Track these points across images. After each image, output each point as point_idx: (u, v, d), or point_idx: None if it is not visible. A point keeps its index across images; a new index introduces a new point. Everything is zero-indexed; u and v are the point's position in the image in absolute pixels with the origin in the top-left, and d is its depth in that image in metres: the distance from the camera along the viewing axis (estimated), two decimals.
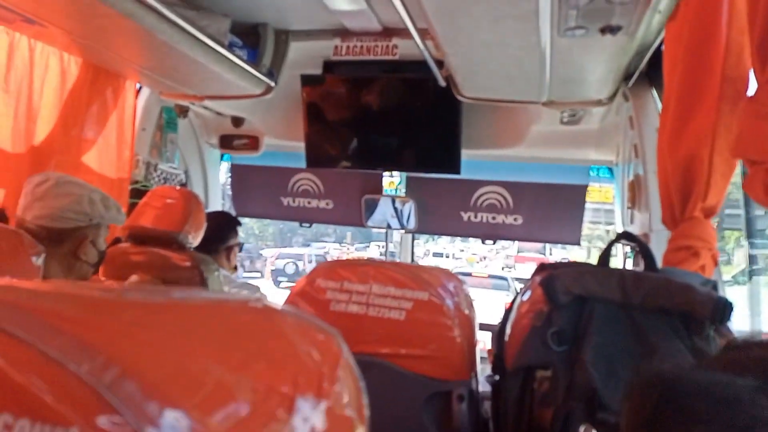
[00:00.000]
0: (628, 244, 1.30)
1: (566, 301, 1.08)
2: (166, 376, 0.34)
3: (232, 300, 0.45)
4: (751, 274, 3.29)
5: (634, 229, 2.48)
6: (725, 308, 0.98)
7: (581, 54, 1.81)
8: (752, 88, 0.92)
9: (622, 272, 1.09)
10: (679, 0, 1.49)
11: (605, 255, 1.20)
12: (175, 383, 0.34)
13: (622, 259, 2.25)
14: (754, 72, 0.86)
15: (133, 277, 2.04)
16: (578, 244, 3.39)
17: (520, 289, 1.31)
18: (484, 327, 1.57)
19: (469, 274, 12.67)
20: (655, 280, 1.06)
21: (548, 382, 1.07)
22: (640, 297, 1.06)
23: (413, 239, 3.85)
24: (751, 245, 3.13)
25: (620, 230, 2.72)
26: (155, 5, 1.80)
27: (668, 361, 0.93)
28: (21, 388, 0.32)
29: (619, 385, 0.96)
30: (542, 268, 1.23)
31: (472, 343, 1.28)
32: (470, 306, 1.31)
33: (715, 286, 1.16)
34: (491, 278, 12.99)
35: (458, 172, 3.01)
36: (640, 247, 1.20)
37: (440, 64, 2.30)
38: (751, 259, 3.20)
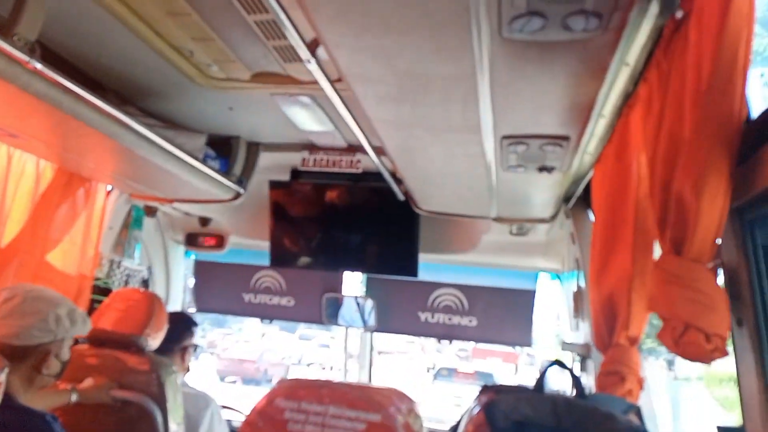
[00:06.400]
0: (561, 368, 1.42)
1: (506, 426, 1.19)
2: None
3: None
4: None
5: (579, 336, 2.62)
6: None
7: (524, 185, 2.04)
8: (658, 253, 1.09)
9: (555, 399, 1.21)
10: (603, 147, 1.73)
11: (540, 380, 1.32)
12: None
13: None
14: (659, 241, 1.04)
15: (88, 380, 2.00)
16: (530, 345, 3.51)
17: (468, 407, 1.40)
18: None
19: (455, 370, 12.84)
20: (583, 408, 1.18)
21: None
22: (570, 423, 1.17)
23: (372, 337, 3.90)
24: None
25: (566, 336, 2.87)
26: (137, 127, 1.94)
27: None
28: None
29: None
30: (485, 390, 1.34)
31: None
32: (420, 426, 1.40)
33: (638, 412, 1.29)
34: (478, 374, 13.39)
35: (416, 275, 3.14)
36: (571, 375, 1.33)
37: (399, 180, 2.50)
38: None
